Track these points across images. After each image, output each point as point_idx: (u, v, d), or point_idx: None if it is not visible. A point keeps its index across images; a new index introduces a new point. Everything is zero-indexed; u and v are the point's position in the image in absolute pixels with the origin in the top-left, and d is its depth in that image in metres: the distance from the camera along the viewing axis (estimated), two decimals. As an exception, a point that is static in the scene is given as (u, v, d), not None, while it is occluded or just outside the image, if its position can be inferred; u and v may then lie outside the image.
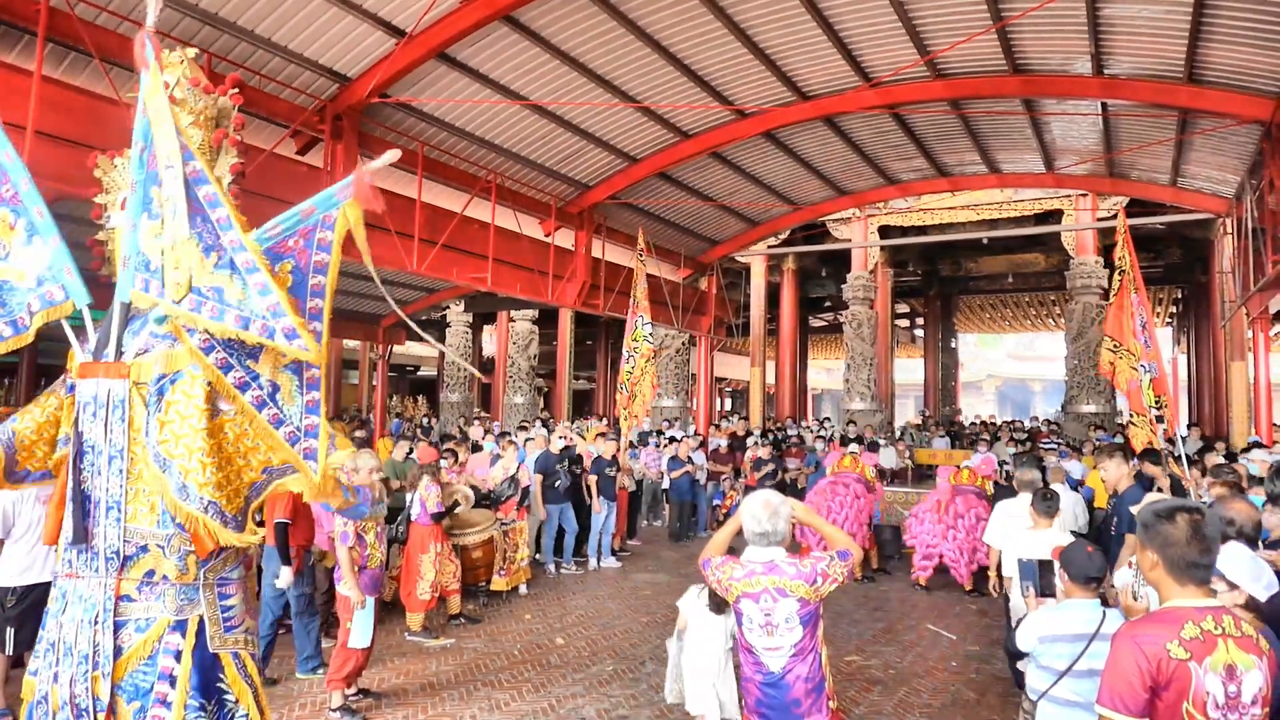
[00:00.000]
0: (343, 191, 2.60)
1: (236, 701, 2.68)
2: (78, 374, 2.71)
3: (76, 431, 2.65)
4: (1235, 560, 2.82)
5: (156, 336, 2.62)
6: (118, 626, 2.56)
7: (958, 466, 9.53)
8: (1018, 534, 5.07)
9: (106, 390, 2.61)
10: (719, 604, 4.20)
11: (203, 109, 2.92)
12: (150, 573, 2.60)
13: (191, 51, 3.03)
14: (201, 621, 2.64)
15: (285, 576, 5.43)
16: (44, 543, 2.89)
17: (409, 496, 6.93)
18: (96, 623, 2.54)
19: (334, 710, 4.97)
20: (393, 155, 2.74)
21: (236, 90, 3.04)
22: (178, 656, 2.58)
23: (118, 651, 2.54)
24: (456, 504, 7.61)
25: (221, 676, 2.67)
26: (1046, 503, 4.90)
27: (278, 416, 2.58)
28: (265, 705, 2.82)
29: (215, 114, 2.99)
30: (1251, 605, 2.74)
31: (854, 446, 10.42)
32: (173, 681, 2.55)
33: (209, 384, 2.56)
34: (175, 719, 2.53)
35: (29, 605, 4.62)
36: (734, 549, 3.24)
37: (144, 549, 2.59)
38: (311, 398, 2.61)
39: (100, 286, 2.74)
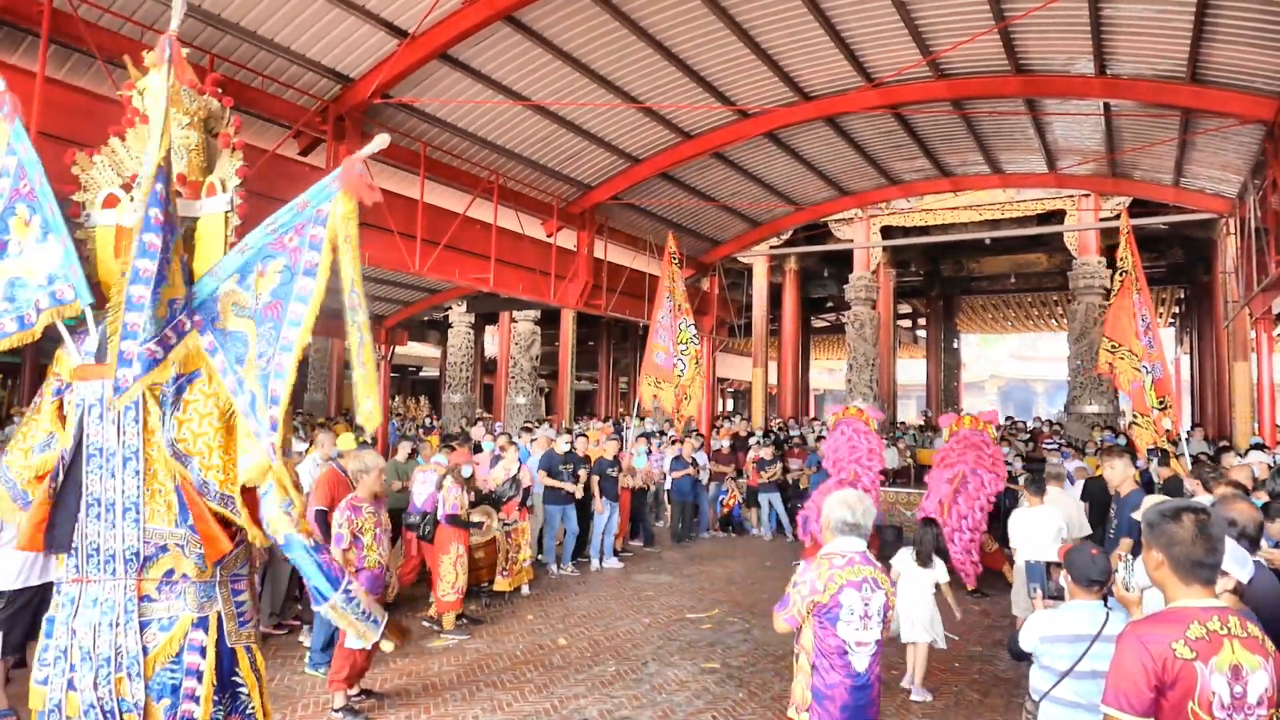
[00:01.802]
0: (334, 183, 2.53)
1: (249, 694, 2.72)
2: (75, 376, 2.66)
3: (79, 435, 2.61)
4: None
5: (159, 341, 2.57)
6: (141, 627, 2.56)
7: (958, 413, 9.37)
8: (1018, 511, 6.20)
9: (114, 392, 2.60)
10: (925, 558, 5.39)
11: (196, 110, 2.90)
12: (170, 572, 2.61)
13: (184, 51, 2.99)
14: (220, 618, 2.68)
15: None
16: (17, 548, 2.89)
17: (418, 494, 6.96)
18: (117, 625, 2.53)
19: (336, 711, 4.98)
20: (382, 140, 2.67)
21: (220, 90, 2.99)
22: (203, 652, 2.60)
23: (144, 651, 2.54)
24: (480, 523, 7.63)
25: (237, 670, 2.71)
26: (1035, 485, 6.22)
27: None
28: (266, 697, 2.88)
29: (205, 116, 2.95)
30: (1238, 590, 2.80)
31: None
32: (199, 676, 2.58)
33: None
34: (203, 713, 2.57)
35: (18, 609, 4.62)
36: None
37: (163, 549, 2.59)
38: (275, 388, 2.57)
39: (95, 287, 2.71)
